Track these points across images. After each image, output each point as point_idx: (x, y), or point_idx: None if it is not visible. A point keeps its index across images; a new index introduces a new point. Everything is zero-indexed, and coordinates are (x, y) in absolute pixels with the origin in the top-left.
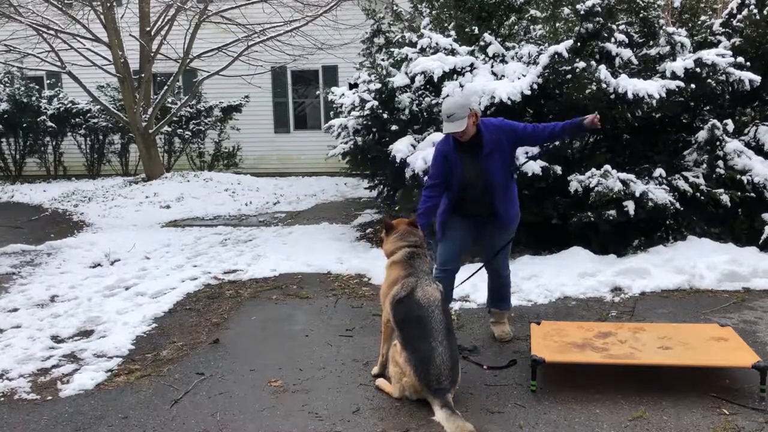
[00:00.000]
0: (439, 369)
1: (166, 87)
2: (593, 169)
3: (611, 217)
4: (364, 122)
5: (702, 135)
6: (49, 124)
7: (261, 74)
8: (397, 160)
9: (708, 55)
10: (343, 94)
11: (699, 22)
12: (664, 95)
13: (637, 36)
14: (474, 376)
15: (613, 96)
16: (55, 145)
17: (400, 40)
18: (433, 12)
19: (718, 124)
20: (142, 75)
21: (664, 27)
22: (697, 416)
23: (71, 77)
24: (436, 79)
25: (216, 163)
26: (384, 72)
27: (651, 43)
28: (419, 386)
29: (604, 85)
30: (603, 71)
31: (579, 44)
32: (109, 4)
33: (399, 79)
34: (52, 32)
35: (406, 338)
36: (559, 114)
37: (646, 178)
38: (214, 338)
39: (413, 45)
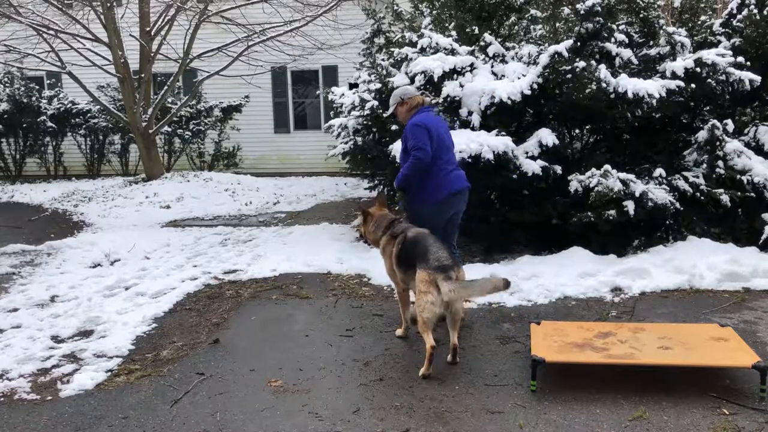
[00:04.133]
0: (437, 254)
1: (166, 87)
2: (593, 169)
3: (611, 217)
4: (364, 122)
5: (702, 135)
6: (49, 124)
7: (261, 74)
8: (397, 160)
9: (708, 55)
10: (343, 94)
11: (699, 22)
12: (664, 95)
13: (637, 36)
14: (474, 376)
15: (613, 96)
16: (55, 145)
17: (400, 40)
18: (434, 12)
19: (718, 124)
20: (142, 75)
21: (664, 27)
22: (697, 416)
23: (71, 77)
24: (436, 79)
25: (216, 163)
26: (384, 72)
27: (651, 43)
28: (426, 275)
29: (604, 85)
30: (603, 71)
31: (579, 44)
32: (109, 4)
33: (399, 79)
34: (52, 32)
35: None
36: (559, 113)
37: (646, 178)
38: (214, 338)
39: (413, 45)
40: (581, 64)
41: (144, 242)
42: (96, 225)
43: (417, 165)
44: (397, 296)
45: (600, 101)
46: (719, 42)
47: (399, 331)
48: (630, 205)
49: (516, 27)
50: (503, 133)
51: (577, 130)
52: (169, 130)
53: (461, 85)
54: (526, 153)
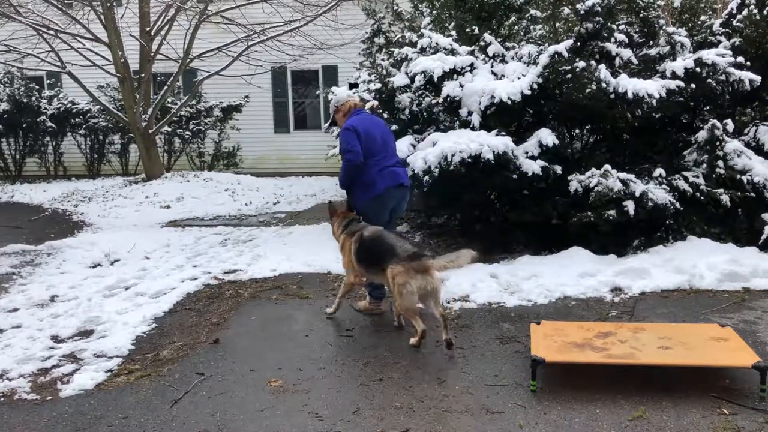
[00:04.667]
0: (404, 247)
1: (166, 87)
2: (593, 169)
3: (611, 217)
4: None
5: (702, 135)
6: (49, 124)
7: (261, 74)
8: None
9: (708, 55)
10: None
11: (699, 22)
12: (664, 95)
13: (637, 36)
14: (474, 376)
15: (613, 96)
16: (55, 145)
17: (400, 40)
18: (434, 12)
19: (718, 124)
20: (142, 75)
21: (664, 27)
22: (697, 416)
23: (71, 77)
24: (436, 79)
25: (216, 163)
26: (384, 72)
27: (651, 43)
28: (402, 268)
29: (604, 85)
30: (603, 71)
31: (579, 44)
32: (109, 4)
33: (399, 79)
34: (52, 32)
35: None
36: (559, 113)
37: (646, 178)
38: (214, 338)
39: (413, 45)
40: (581, 64)
41: (144, 242)
42: (96, 225)
43: (348, 166)
44: (345, 284)
45: (600, 101)
46: (719, 42)
47: (329, 310)
48: (630, 205)
49: (516, 27)
50: (503, 133)
51: (577, 130)
52: (169, 130)
53: (461, 85)
54: (526, 153)
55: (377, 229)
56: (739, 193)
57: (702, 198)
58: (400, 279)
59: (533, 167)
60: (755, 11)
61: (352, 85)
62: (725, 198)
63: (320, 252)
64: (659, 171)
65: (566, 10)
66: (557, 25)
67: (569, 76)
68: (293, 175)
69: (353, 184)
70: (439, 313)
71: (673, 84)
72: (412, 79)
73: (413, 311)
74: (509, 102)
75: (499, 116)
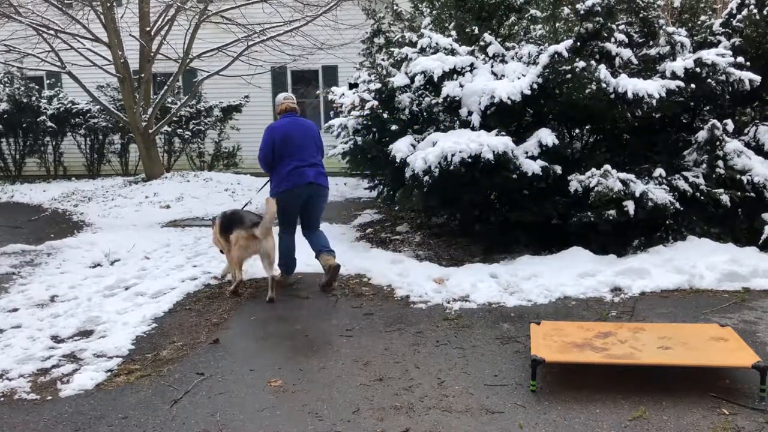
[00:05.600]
0: (249, 218)
1: (166, 87)
2: (593, 169)
3: (611, 217)
4: (364, 122)
5: (702, 135)
6: (49, 124)
7: (261, 74)
8: (397, 160)
9: (708, 54)
10: (343, 94)
11: (699, 22)
12: (664, 95)
13: (637, 36)
14: (474, 376)
15: (613, 96)
16: (55, 145)
17: (400, 40)
18: (434, 12)
19: (718, 124)
20: (142, 75)
21: (664, 27)
22: (697, 416)
23: (71, 77)
24: (436, 79)
25: (216, 163)
26: (384, 72)
27: (651, 43)
28: (243, 232)
29: (604, 85)
30: (603, 71)
31: (579, 44)
32: (109, 4)
33: (399, 79)
34: (52, 32)
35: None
36: (559, 113)
37: (646, 178)
38: (214, 338)
39: (413, 45)
40: (581, 64)
41: (144, 242)
42: (96, 225)
43: (260, 163)
44: (232, 264)
45: (600, 101)
46: (719, 42)
47: (223, 274)
48: (630, 205)
49: (516, 27)
50: (503, 133)
51: (577, 130)
52: (169, 130)
53: (461, 85)
54: (526, 153)
55: (236, 209)
56: (739, 193)
57: (702, 198)
58: (238, 238)
59: (533, 167)
60: (755, 11)
61: (352, 85)
62: (725, 198)
63: None
64: (659, 171)
65: (566, 10)
66: (557, 25)
67: (569, 76)
68: None
69: (272, 177)
70: (270, 274)
71: (673, 84)
72: (412, 79)
73: (239, 263)
74: (509, 102)
75: (499, 116)
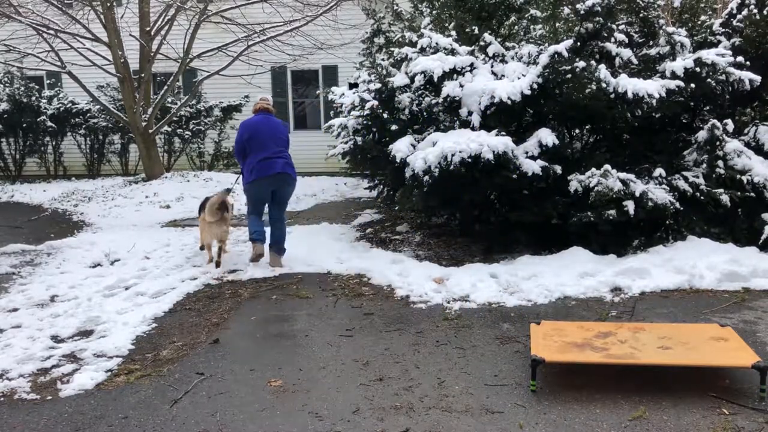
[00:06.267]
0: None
1: (166, 87)
2: (593, 169)
3: (611, 217)
4: (364, 122)
5: (702, 135)
6: (49, 124)
7: (261, 74)
8: (397, 160)
9: (708, 54)
10: (343, 94)
11: (699, 22)
12: (664, 95)
13: (637, 36)
14: (474, 376)
15: (613, 96)
16: (55, 145)
17: (400, 39)
18: (434, 12)
19: (718, 124)
20: (142, 75)
21: (664, 27)
22: (697, 416)
23: (71, 77)
24: (436, 79)
25: (216, 163)
26: (384, 72)
27: (651, 43)
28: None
29: (604, 85)
30: (603, 71)
31: (579, 44)
32: (109, 4)
33: (399, 79)
34: (52, 32)
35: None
36: (559, 113)
37: (646, 177)
38: (214, 338)
39: (413, 45)
40: (581, 64)
41: (144, 242)
42: (96, 225)
43: (235, 156)
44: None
45: (600, 101)
46: (719, 42)
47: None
48: (630, 205)
49: (516, 27)
50: (503, 133)
51: (577, 130)
52: (169, 129)
53: (461, 85)
54: (526, 153)
55: (211, 196)
56: (739, 193)
57: (702, 198)
58: (204, 223)
59: (533, 167)
60: (755, 11)
61: (352, 85)
62: (725, 198)
63: (320, 252)
64: (659, 171)
65: (566, 10)
66: (557, 25)
67: (569, 76)
68: None
69: (243, 169)
70: (218, 253)
71: (673, 84)
72: (412, 79)
73: (208, 245)
74: (509, 102)
75: (499, 116)
